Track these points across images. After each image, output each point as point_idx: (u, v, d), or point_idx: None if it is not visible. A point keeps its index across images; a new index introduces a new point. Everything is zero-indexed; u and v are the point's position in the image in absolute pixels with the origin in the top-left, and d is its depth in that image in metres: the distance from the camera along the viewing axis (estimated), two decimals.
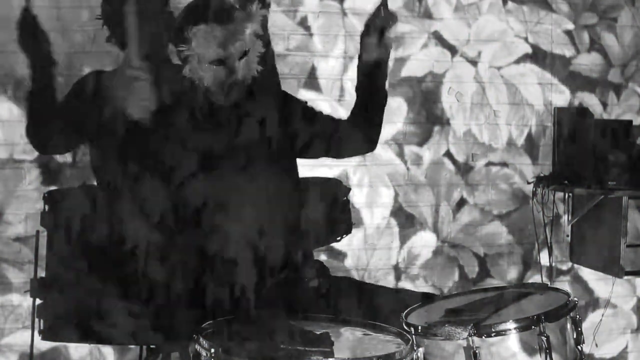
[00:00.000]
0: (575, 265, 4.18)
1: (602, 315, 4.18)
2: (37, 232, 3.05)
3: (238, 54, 2.59)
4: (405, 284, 3.92)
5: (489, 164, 4.06)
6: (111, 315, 2.57)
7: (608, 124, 3.98)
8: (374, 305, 2.59)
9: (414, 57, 3.93)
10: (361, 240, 3.88)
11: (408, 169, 3.95)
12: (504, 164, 4.08)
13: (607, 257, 3.86)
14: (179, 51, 2.62)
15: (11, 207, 3.46)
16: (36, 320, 2.93)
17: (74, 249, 2.76)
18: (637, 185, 3.80)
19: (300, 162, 2.87)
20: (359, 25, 3.84)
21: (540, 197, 4.02)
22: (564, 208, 4.10)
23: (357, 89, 2.90)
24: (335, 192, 3.18)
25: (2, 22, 3.40)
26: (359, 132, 2.92)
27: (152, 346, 2.83)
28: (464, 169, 4.03)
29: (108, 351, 3.56)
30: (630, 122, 3.97)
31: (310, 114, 2.90)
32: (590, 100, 4.18)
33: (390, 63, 3.88)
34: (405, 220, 3.94)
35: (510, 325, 2.24)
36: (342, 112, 3.83)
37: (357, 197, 3.85)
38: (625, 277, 3.92)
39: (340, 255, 3.84)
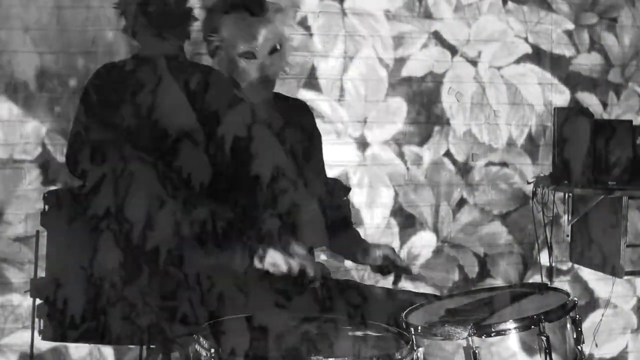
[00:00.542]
0: (575, 265, 4.18)
1: (602, 315, 4.18)
2: (37, 232, 3.06)
3: (268, 47, 2.54)
4: (405, 284, 3.92)
5: (489, 164, 4.06)
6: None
7: (608, 124, 3.98)
8: (372, 307, 2.59)
9: (414, 57, 3.93)
10: None
11: (408, 169, 3.95)
12: (504, 164, 4.08)
13: (607, 257, 3.86)
14: (209, 41, 2.56)
15: (11, 207, 3.46)
16: (36, 320, 2.93)
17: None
18: (637, 185, 3.80)
19: None
20: (359, 25, 3.84)
21: (540, 197, 4.02)
22: (564, 208, 4.10)
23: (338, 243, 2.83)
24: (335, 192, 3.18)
25: (2, 22, 3.40)
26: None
27: (152, 346, 2.83)
28: (464, 169, 4.03)
29: (108, 351, 3.56)
30: (630, 122, 3.97)
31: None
32: (590, 100, 4.18)
33: (390, 63, 3.89)
34: (405, 220, 3.94)
35: (510, 325, 2.24)
36: (342, 112, 3.84)
37: (357, 197, 3.85)
38: (625, 277, 3.92)
39: (340, 256, 3.83)
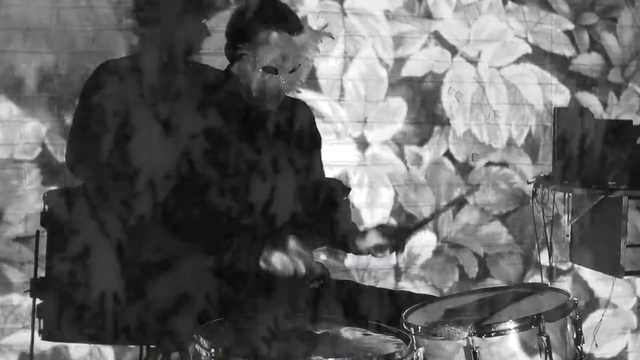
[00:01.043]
0: (575, 265, 4.18)
1: (602, 315, 4.18)
2: (37, 232, 3.06)
3: (292, 66, 2.60)
4: (405, 284, 3.92)
5: (489, 164, 4.06)
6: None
7: (608, 124, 3.98)
8: (371, 307, 2.59)
9: (414, 57, 3.93)
10: None
11: (408, 169, 3.95)
12: (504, 164, 4.08)
13: (607, 257, 3.86)
14: (237, 48, 2.59)
15: (11, 207, 3.46)
16: (36, 320, 2.93)
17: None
18: (637, 185, 3.80)
19: None
20: (359, 25, 3.84)
21: (540, 197, 4.02)
22: (564, 208, 4.10)
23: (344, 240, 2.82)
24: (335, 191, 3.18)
25: (2, 22, 3.40)
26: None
27: (152, 346, 2.83)
28: (464, 169, 4.03)
29: (108, 351, 3.56)
30: (630, 122, 3.97)
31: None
32: (590, 100, 4.18)
33: (390, 63, 3.89)
34: (406, 220, 3.94)
35: (510, 325, 2.24)
36: (342, 112, 3.84)
37: (357, 197, 3.85)
38: (625, 277, 3.92)
39: (340, 255, 3.84)
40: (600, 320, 4.17)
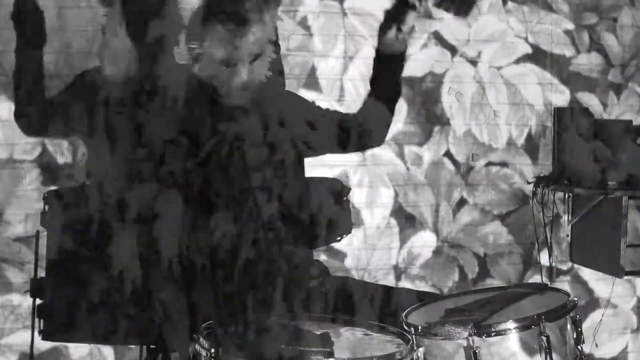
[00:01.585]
0: (575, 265, 4.18)
1: (602, 315, 4.18)
2: (37, 232, 3.05)
3: (249, 57, 2.58)
4: (405, 284, 3.92)
5: (489, 164, 4.06)
6: None
7: (608, 124, 3.97)
8: (373, 305, 2.59)
9: (414, 57, 3.93)
10: (361, 240, 3.88)
11: (408, 169, 3.95)
12: (504, 164, 4.08)
13: (607, 257, 3.86)
14: (190, 49, 2.60)
15: (11, 207, 3.46)
16: (36, 320, 2.93)
17: None
18: (637, 185, 3.80)
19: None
20: (359, 25, 3.84)
21: (540, 197, 4.02)
22: (564, 208, 4.10)
23: (372, 82, 2.82)
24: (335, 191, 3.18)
25: (2, 22, 3.40)
26: (373, 120, 2.83)
27: (152, 346, 2.83)
28: (464, 169, 4.03)
29: (108, 351, 3.56)
30: (630, 122, 3.97)
31: (320, 112, 2.88)
32: (590, 100, 4.18)
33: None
34: (405, 220, 3.94)
35: (510, 325, 2.25)
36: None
37: (357, 197, 3.85)
38: (625, 277, 3.92)
39: (340, 255, 3.84)
40: (600, 320, 4.17)
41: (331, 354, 2.05)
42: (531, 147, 4.11)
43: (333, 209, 2.99)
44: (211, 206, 2.58)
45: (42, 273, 2.99)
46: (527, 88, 4.09)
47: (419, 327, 2.25)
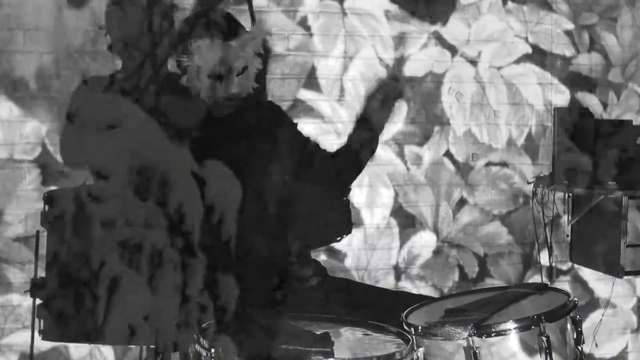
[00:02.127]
0: (575, 265, 4.18)
1: (602, 315, 4.17)
2: (37, 232, 3.06)
3: (237, 70, 2.63)
4: (405, 284, 3.92)
5: (489, 164, 4.06)
6: None
7: (608, 124, 3.97)
8: (370, 306, 2.60)
9: (414, 57, 3.93)
10: (361, 240, 3.88)
11: (408, 169, 3.95)
12: (504, 164, 4.08)
13: (607, 257, 3.86)
14: (179, 61, 2.66)
15: (11, 207, 3.46)
16: (36, 320, 2.93)
17: None
18: (637, 185, 3.80)
19: None
20: (359, 25, 3.84)
21: (540, 197, 4.02)
22: (564, 208, 4.10)
23: (350, 137, 2.87)
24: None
25: (2, 22, 3.40)
26: (338, 171, 2.88)
27: (152, 346, 2.83)
28: (464, 169, 4.03)
29: (108, 351, 3.56)
30: (630, 122, 3.97)
31: (300, 141, 2.90)
32: (590, 100, 4.18)
33: (390, 63, 3.89)
34: (405, 220, 3.94)
35: (510, 325, 2.25)
36: (342, 112, 3.84)
37: (357, 197, 3.84)
38: (625, 277, 3.92)
39: (340, 255, 3.84)
40: (600, 320, 4.16)
41: (331, 354, 2.05)
42: (531, 147, 4.11)
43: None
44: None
45: (42, 273, 2.99)
46: (527, 88, 4.09)
47: (419, 327, 2.25)
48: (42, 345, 3.39)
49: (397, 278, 3.94)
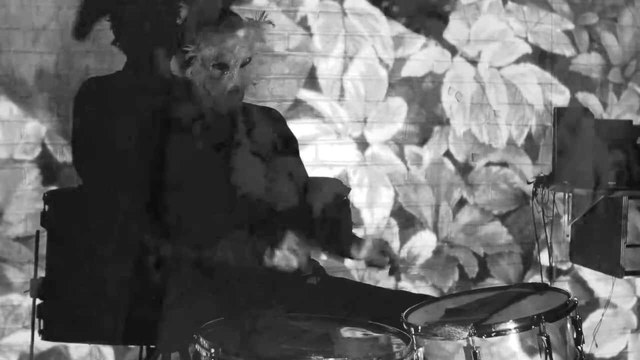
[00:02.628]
0: (575, 265, 4.18)
1: (602, 315, 4.17)
2: (37, 232, 3.06)
3: (241, 60, 2.64)
4: (405, 284, 3.92)
5: (489, 164, 4.06)
6: None
7: (608, 124, 3.97)
8: (368, 306, 2.59)
9: (414, 57, 3.93)
10: None
11: (408, 169, 3.95)
12: (504, 164, 4.08)
13: (607, 257, 3.86)
14: (184, 52, 2.65)
15: (11, 207, 3.46)
16: (36, 320, 2.93)
17: None
18: (637, 185, 3.80)
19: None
20: (359, 25, 3.84)
21: (540, 197, 4.02)
22: (564, 208, 4.10)
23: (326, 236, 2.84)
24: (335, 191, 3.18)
25: (2, 22, 3.40)
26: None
27: (152, 346, 2.83)
28: (464, 169, 4.03)
29: (108, 351, 3.56)
30: (630, 122, 3.97)
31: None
32: (590, 100, 4.18)
33: (390, 63, 3.89)
34: (405, 220, 3.94)
35: (510, 325, 2.25)
36: (342, 112, 3.84)
37: (357, 197, 3.84)
38: (625, 277, 3.92)
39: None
40: (600, 320, 4.16)
41: (331, 354, 2.05)
42: (531, 147, 4.11)
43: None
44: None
45: (42, 273, 2.99)
46: (527, 88, 4.09)
47: (419, 327, 2.25)
48: (42, 345, 3.40)
49: (397, 278, 3.94)
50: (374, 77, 3.88)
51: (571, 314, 2.34)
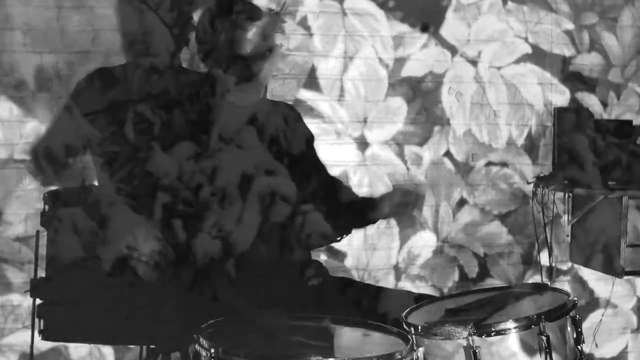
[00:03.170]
0: (575, 265, 4.18)
1: (602, 315, 4.17)
2: (37, 232, 3.05)
3: (262, 53, 2.58)
4: (405, 284, 3.92)
5: (489, 164, 4.06)
6: None
7: (608, 124, 3.97)
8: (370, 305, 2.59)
9: (414, 57, 3.93)
10: (361, 240, 3.88)
11: (408, 169, 3.95)
12: (504, 164, 4.08)
13: (607, 257, 3.86)
14: (202, 43, 2.60)
15: (11, 207, 3.46)
16: (36, 320, 2.93)
17: None
18: (637, 185, 3.80)
19: None
20: (359, 25, 3.84)
21: (540, 197, 4.02)
22: (564, 208, 4.10)
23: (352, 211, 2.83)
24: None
25: (2, 22, 3.40)
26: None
27: (152, 346, 2.83)
28: (464, 169, 4.03)
29: (108, 351, 3.56)
30: (630, 122, 3.97)
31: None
32: (590, 100, 4.18)
33: (390, 63, 3.89)
34: (405, 220, 3.94)
35: (510, 325, 2.24)
36: (342, 112, 3.84)
37: None
38: (625, 277, 3.92)
39: (340, 255, 3.84)
40: (600, 320, 4.17)
41: (331, 354, 2.05)
42: (531, 147, 4.11)
43: None
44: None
45: (42, 273, 2.99)
46: (527, 88, 4.09)
47: (419, 327, 2.25)
48: (42, 345, 3.39)
49: (397, 278, 3.94)
50: (374, 77, 3.88)
51: (571, 314, 2.34)
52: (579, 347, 2.33)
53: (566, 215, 4.11)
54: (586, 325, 3.91)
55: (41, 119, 3.46)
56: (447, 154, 4.00)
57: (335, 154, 3.77)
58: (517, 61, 4.08)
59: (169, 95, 2.75)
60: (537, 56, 4.10)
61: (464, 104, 4.01)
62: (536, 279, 4.08)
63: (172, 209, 2.54)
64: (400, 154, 3.94)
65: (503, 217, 4.10)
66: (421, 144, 3.97)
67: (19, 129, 3.45)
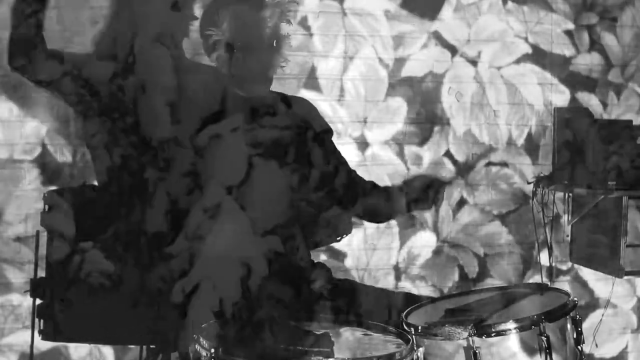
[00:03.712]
0: (575, 265, 4.18)
1: (602, 315, 4.17)
2: (37, 232, 3.05)
3: (268, 41, 2.54)
4: (405, 284, 3.92)
5: (489, 164, 4.06)
6: None
7: (608, 124, 3.97)
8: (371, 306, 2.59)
9: (414, 57, 3.93)
10: (361, 240, 3.87)
11: (408, 169, 3.95)
12: (504, 164, 4.08)
13: (607, 257, 3.86)
14: (207, 36, 2.56)
15: (11, 207, 3.46)
16: (36, 320, 2.93)
17: None
18: (637, 185, 3.80)
19: None
20: (359, 25, 3.84)
21: (540, 197, 4.02)
22: (564, 208, 4.10)
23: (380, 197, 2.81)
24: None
25: (2, 21, 3.40)
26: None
27: (152, 346, 2.83)
28: (464, 169, 4.03)
29: (108, 351, 3.56)
30: (630, 122, 3.97)
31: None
32: (590, 100, 4.18)
33: (390, 63, 3.89)
34: (406, 220, 3.94)
35: (510, 325, 2.25)
36: (342, 112, 3.84)
37: None
38: (625, 277, 3.92)
39: (340, 255, 3.84)
40: (600, 320, 4.16)
41: (331, 354, 2.05)
42: (531, 147, 4.11)
43: None
44: None
45: (42, 273, 2.99)
46: (527, 88, 4.09)
47: (419, 327, 2.25)
48: (42, 345, 3.39)
49: (397, 278, 3.94)
50: (374, 77, 3.88)
51: (571, 314, 2.34)
52: (579, 347, 2.34)
53: (566, 215, 4.11)
54: (586, 326, 3.91)
55: (41, 118, 3.46)
56: (447, 154, 4.00)
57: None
58: (517, 61, 4.08)
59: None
60: (537, 56, 4.10)
61: (464, 104, 4.01)
62: (536, 279, 4.08)
63: None
64: (400, 154, 3.93)
65: (503, 217, 4.09)
66: (421, 144, 3.97)
67: (19, 129, 3.45)
